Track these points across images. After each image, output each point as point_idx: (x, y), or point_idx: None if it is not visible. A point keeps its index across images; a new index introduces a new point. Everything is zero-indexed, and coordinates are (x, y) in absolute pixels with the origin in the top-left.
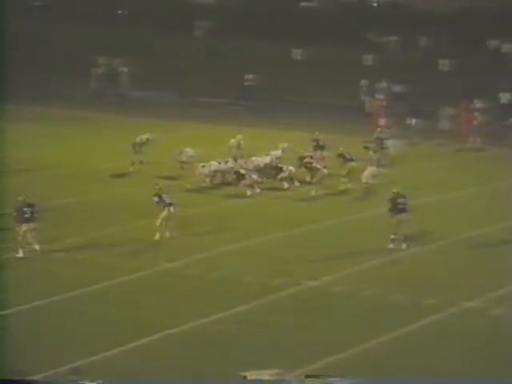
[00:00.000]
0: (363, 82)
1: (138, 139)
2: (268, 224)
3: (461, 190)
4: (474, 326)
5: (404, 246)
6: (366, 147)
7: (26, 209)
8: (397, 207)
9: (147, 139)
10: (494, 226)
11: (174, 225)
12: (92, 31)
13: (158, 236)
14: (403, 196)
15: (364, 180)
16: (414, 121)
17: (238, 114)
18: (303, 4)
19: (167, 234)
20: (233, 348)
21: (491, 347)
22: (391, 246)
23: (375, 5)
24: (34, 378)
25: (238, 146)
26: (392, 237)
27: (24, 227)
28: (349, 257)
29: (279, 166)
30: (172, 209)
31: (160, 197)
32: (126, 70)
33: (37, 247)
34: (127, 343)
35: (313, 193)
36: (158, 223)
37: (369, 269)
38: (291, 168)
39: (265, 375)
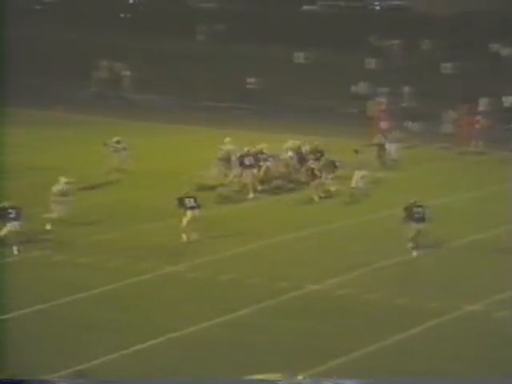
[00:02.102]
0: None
1: (107, 141)
2: (271, 227)
3: (463, 193)
4: (478, 329)
5: (422, 251)
6: (356, 151)
7: (10, 210)
8: (413, 216)
9: (117, 141)
10: (496, 229)
11: (196, 227)
12: (94, 34)
13: (184, 238)
14: (420, 206)
15: (353, 184)
16: (414, 124)
17: (241, 118)
18: (305, 7)
19: (184, 236)
20: (236, 351)
21: (495, 350)
22: (414, 254)
23: (377, 8)
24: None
25: (228, 152)
26: (410, 245)
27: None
28: (352, 260)
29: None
30: (197, 212)
31: (181, 200)
32: (128, 73)
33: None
34: (130, 347)
35: (315, 197)
36: (182, 225)
37: (372, 272)
38: (269, 163)
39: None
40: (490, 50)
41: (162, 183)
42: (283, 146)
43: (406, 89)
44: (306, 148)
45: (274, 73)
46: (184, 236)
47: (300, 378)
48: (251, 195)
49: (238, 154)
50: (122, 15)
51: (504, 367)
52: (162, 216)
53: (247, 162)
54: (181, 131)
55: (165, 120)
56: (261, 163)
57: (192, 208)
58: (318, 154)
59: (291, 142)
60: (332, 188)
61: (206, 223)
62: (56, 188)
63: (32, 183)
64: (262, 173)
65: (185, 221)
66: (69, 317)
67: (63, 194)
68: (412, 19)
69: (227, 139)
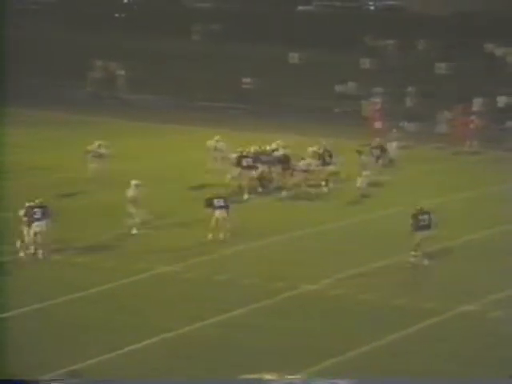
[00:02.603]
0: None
1: (89, 147)
2: (266, 228)
3: (458, 193)
4: (473, 329)
5: (426, 261)
6: (358, 151)
7: (36, 209)
8: (418, 224)
9: (99, 146)
10: (491, 229)
11: (225, 227)
12: (89, 34)
13: (210, 237)
14: (427, 212)
15: (358, 185)
16: (409, 124)
17: (236, 118)
18: (300, 8)
19: (210, 235)
20: (230, 351)
21: (490, 350)
22: (412, 260)
23: (372, 8)
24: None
25: (215, 148)
26: (412, 253)
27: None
28: (347, 260)
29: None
30: (225, 212)
31: (211, 201)
32: (123, 73)
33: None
34: (125, 346)
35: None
36: (211, 225)
37: (367, 272)
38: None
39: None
40: (485, 50)
41: (157, 183)
42: (271, 146)
43: (401, 89)
44: (313, 149)
45: (269, 73)
46: (210, 235)
47: (295, 377)
48: (246, 196)
49: (236, 155)
50: (116, 15)
51: (499, 367)
52: (156, 216)
53: (245, 163)
54: (176, 131)
55: (160, 120)
56: (258, 165)
57: (220, 208)
58: (327, 153)
59: (277, 143)
60: (325, 188)
61: (202, 223)
62: (130, 192)
63: (29, 183)
64: (258, 173)
65: (213, 220)
66: (64, 316)
67: (137, 197)
68: (407, 19)
69: (216, 137)
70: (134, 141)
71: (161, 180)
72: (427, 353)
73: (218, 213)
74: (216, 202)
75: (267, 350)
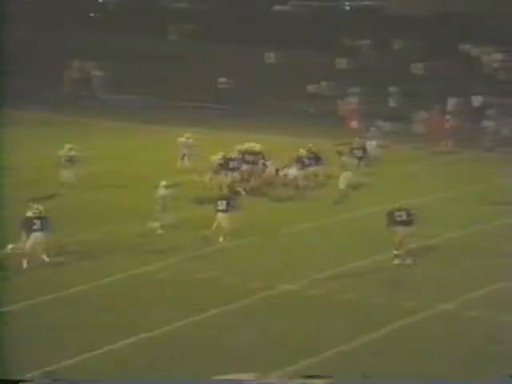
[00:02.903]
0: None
1: (59, 152)
2: (244, 227)
3: (434, 193)
4: (450, 328)
5: (409, 261)
6: (339, 152)
7: (35, 220)
8: (394, 220)
9: (70, 149)
10: (467, 229)
11: (225, 231)
12: (65, 34)
13: (200, 241)
14: (405, 209)
15: (340, 186)
16: (386, 124)
17: (212, 118)
18: (276, 8)
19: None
20: (208, 351)
21: (467, 349)
22: (396, 261)
23: (349, 9)
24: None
25: (186, 144)
26: (395, 252)
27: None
28: (326, 260)
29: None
30: (227, 215)
31: (215, 204)
32: (100, 73)
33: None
34: (102, 347)
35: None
36: (211, 229)
37: (346, 272)
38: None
39: (242, 378)
40: (461, 51)
41: (135, 183)
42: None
43: (378, 89)
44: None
45: (246, 73)
46: (201, 236)
47: (273, 378)
48: None
49: (221, 156)
50: (91, 14)
51: (476, 366)
52: (134, 216)
53: (231, 165)
54: (154, 131)
55: (137, 120)
56: (242, 167)
57: (222, 211)
58: (312, 155)
59: (248, 144)
60: (303, 190)
61: (180, 223)
62: (161, 193)
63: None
64: (239, 174)
65: (214, 224)
66: (41, 317)
67: (165, 197)
68: (383, 20)
69: (187, 134)
70: (109, 141)
71: (135, 180)
72: (406, 353)
73: (219, 216)
74: (219, 203)
75: (244, 350)
